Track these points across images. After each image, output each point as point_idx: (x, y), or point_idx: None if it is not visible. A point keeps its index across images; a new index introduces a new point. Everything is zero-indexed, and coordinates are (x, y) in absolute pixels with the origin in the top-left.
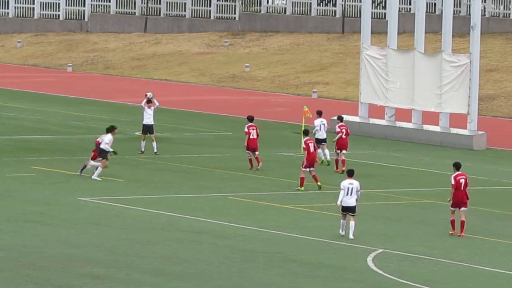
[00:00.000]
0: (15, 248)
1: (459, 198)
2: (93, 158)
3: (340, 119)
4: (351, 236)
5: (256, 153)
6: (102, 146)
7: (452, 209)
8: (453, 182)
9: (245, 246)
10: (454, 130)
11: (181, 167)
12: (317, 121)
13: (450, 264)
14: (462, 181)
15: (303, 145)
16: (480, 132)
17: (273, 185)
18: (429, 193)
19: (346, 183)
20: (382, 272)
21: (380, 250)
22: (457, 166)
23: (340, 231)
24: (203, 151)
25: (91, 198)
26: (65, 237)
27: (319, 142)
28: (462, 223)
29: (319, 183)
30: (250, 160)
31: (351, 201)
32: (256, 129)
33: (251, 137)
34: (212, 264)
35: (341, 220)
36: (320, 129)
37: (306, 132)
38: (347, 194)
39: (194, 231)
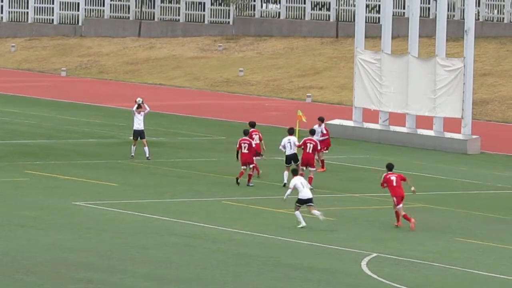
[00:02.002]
0: (9, 252)
1: (397, 193)
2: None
3: (312, 132)
4: (322, 218)
5: (251, 165)
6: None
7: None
8: (301, 143)
9: (239, 251)
10: (448, 135)
11: (175, 171)
12: (285, 139)
13: (444, 268)
14: (393, 178)
15: (299, 142)
16: (474, 137)
17: (267, 189)
18: (423, 197)
19: (297, 180)
20: (376, 276)
21: (374, 254)
22: (389, 167)
23: (302, 223)
24: (197, 155)
25: (85, 203)
26: (59, 241)
27: (288, 161)
28: (403, 216)
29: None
30: (241, 173)
31: (308, 193)
32: (259, 133)
33: (243, 151)
34: (206, 269)
35: (297, 212)
36: (287, 147)
37: (312, 132)
38: (303, 187)
39: (188, 235)
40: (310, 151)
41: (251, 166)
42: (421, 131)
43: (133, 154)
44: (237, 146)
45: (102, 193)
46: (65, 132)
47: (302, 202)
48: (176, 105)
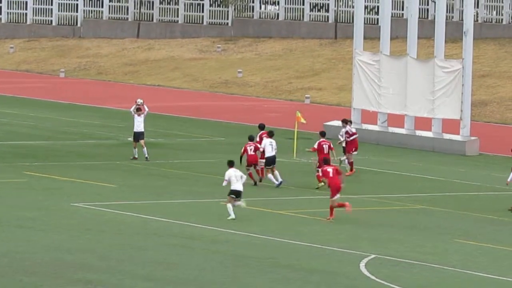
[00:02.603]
0: (8, 253)
1: (334, 184)
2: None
3: (322, 134)
4: (243, 205)
5: (257, 167)
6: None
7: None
8: (315, 146)
9: (237, 252)
10: (447, 136)
11: (173, 172)
12: (266, 141)
13: (443, 270)
14: (330, 170)
15: (315, 145)
16: (472, 138)
17: (266, 190)
18: (422, 198)
19: (232, 172)
20: (375, 277)
21: (373, 256)
22: (322, 134)
23: (232, 215)
24: (195, 156)
25: (83, 204)
26: (57, 242)
27: (268, 164)
28: (337, 205)
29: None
30: (251, 175)
31: (240, 186)
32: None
33: (250, 153)
34: (204, 270)
35: (229, 204)
36: (267, 149)
37: (322, 134)
38: (236, 181)
39: (186, 236)
40: (327, 152)
41: (257, 167)
42: (420, 133)
43: (136, 155)
44: (242, 151)
45: (101, 194)
46: (64, 133)
47: (234, 193)
48: (175, 106)
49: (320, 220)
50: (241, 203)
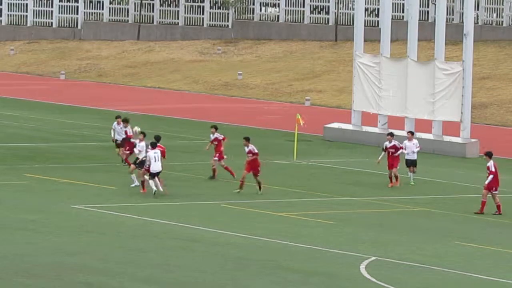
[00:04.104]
0: (8, 256)
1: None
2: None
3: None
4: (161, 189)
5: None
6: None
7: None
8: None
9: (238, 254)
10: (447, 138)
11: (174, 174)
12: (150, 153)
13: (443, 272)
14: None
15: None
16: (473, 140)
17: (266, 192)
18: (422, 200)
19: (152, 153)
20: (375, 279)
21: (373, 258)
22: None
23: (154, 189)
24: (196, 158)
25: (84, 206)
26: (58, 245)
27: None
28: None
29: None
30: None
31: (159, 166)
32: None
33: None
34: (205, 272)
35: (151, 181)
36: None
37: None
38: (155, 161)
39: (187, 238)
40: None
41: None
42: (420, 135)
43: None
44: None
45: (101, 196)
46: (64, 135)
47: (152, 174)
48: (175, 109)
49: (320, 222)
50: (155, 186)
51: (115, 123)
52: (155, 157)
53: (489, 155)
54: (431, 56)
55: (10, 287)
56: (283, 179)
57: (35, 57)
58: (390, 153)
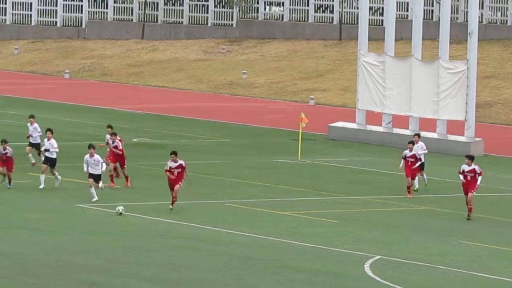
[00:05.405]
0: (12, 255)
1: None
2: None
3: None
4: (101, 185)
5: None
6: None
7: None
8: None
9: (242, 253)
10: (452, 137)
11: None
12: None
13: (448, 271)
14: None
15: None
16: (477, 139)
17: (270, 191)
18: (427, 199)
19: (89, 158)
20: (379, 279)
21: (377, 257)
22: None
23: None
24: (200, 158)
25: (88, 205)
26: (62, 244)
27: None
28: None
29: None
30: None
31: (97, 171)
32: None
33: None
34: (209, 271)
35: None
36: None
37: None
38: (94, 166)
39: (191, 238)
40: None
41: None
42: (424, 134)
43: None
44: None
45: (105, 195)
46: (69, 134)
47: (92, 176)
48: (179, 108)
49: (325, 221)
50: (101, 186)
51: (29, 123)
52: (95, 160)
53: (471, 158)
54: (435, 55)
55: (14, 286)
56: (288, 178)
57: (39, 56)
58: (410, 163)
